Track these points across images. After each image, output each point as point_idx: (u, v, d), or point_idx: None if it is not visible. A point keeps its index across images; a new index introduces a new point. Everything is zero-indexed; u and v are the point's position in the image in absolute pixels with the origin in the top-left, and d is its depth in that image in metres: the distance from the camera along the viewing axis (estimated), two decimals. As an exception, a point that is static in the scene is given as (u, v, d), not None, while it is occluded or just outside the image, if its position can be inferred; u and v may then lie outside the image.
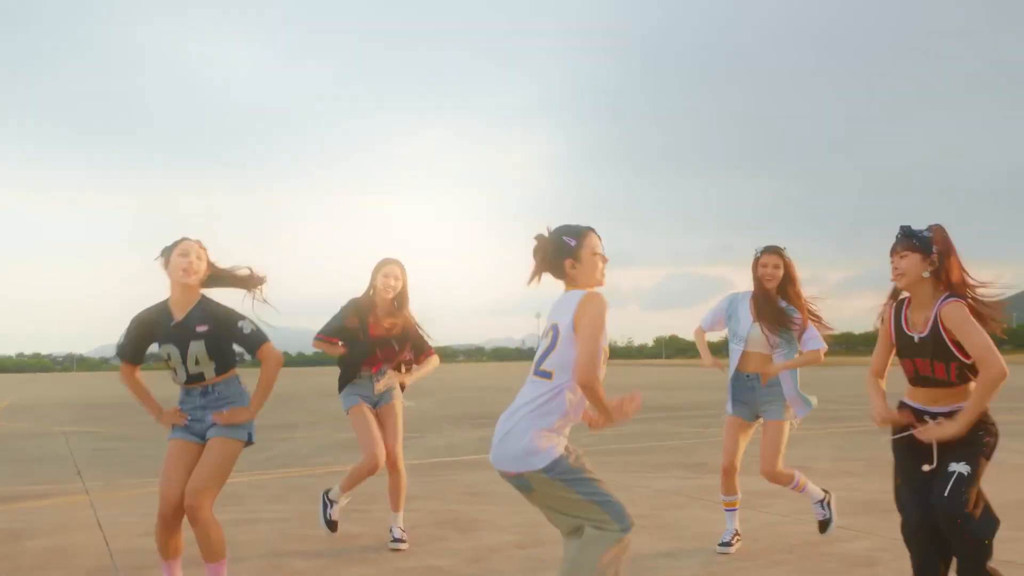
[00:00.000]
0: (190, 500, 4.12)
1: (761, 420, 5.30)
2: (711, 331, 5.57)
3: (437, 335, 5.77)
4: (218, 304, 4.33)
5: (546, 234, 3.53)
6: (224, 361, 4.30)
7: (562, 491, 3.27)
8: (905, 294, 3.86)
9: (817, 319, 5.36)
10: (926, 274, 3.68)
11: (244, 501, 7.43)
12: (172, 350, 4.22)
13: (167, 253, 4.24)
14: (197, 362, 4.24)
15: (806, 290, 5.36)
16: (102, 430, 15.87)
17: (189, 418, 4.28)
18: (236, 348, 4.33)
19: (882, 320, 3.98)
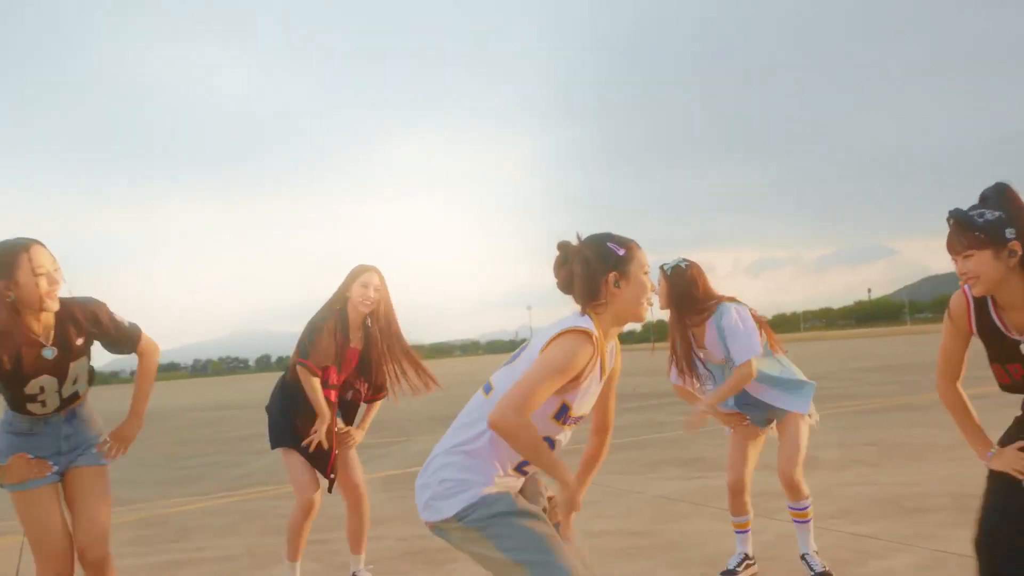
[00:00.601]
0: (99, 553, 3.24)
1: (774, 424, 4.23)
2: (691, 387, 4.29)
3: (434, 333, 4.50)
4: (76, 300, 3.28)
5: (575, 242, 2.50)
6: (92, 371, 3.39)
7: (480, 546, 2.36)
8: None
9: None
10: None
11: (189, 535, 6.32)
12: (46, 381, 3.18)
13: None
14: (75, 381, 3.28)
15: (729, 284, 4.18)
16: None
17: (53, 466, 3.24)
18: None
19: (951, 318, 2.79)
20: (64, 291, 3.18)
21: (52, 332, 3.17)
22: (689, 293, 4.01)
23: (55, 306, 3.11)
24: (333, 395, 4.07)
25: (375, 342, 4.20)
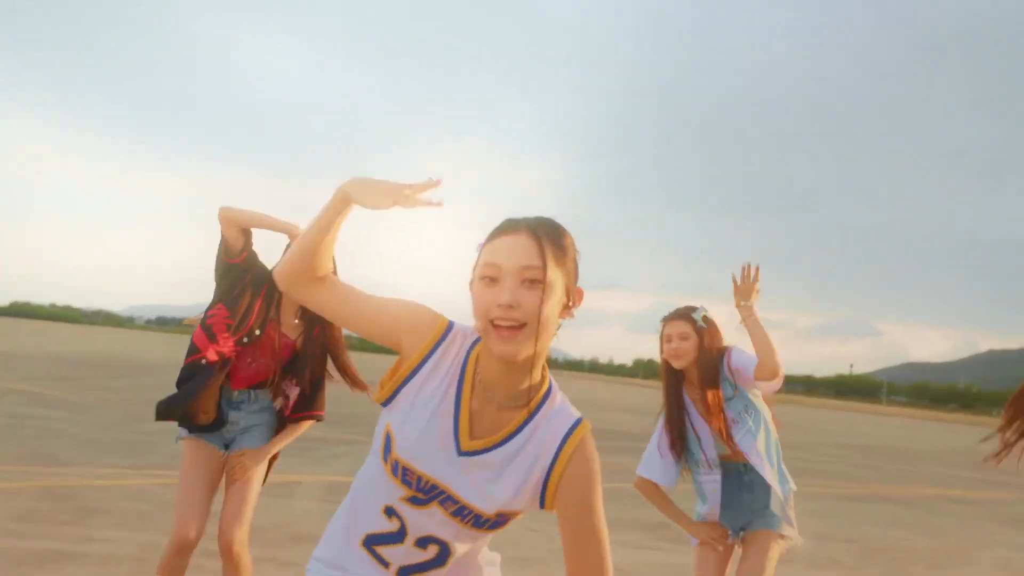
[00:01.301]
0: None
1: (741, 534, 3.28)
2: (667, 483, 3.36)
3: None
4: None
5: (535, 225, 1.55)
6: None
7: None
8: None
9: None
10: None
11: (86, 519, 5.34)
12: None
13: None
14: None
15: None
16: (45, 392, 13.74)
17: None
18: None
19: None
20: None
21: None
22: (719, 353, 3.18)
23: None
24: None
25: (314, 343, 3.26)
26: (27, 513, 5.29)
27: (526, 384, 1.56)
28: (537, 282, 1.47)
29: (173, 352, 40.99)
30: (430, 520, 1.59)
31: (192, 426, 3.13)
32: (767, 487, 3.18)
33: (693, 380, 3.21)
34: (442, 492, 1.56)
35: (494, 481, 1.56)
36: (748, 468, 3.19)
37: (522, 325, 1.46)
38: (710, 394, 3.15)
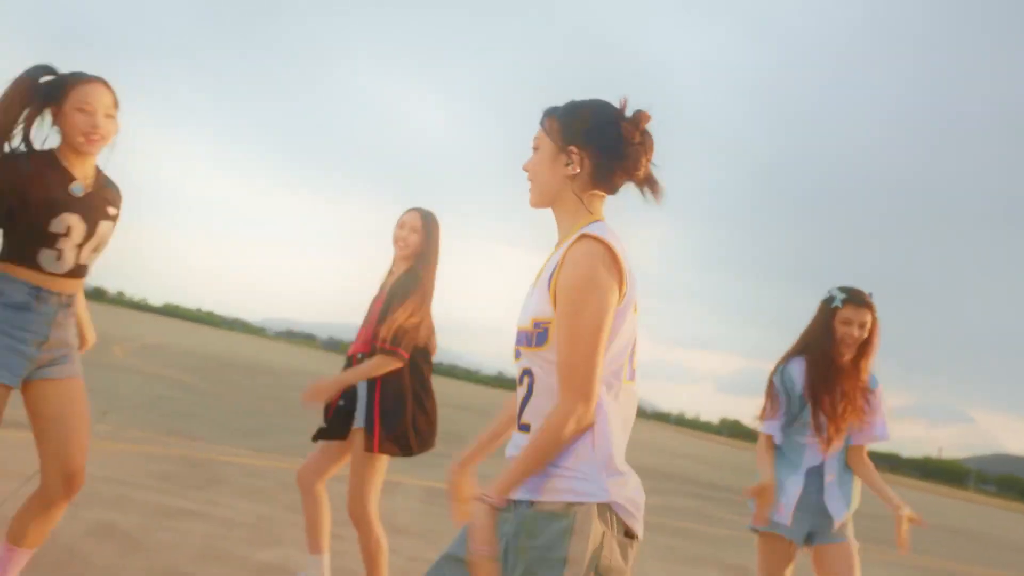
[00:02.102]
0: (71, 484, 2.54)
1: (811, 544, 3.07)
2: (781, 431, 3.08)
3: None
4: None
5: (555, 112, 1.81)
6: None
7: None
8: None
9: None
10: None
11: (213, 487, 5.59)
12: (74, 222, 2.48)
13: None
14: (96, 248, 2.58)
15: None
16: (191, 379, 14.50)
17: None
18: None
19: None
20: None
21: (88, 180, 2.53)
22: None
23: (92, 151, 2.50)
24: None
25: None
26: (166, 475, 5.58)
27: (566, 226, 1.75)
28: (535, 149, 1.78)
29: (294, 360, 42.45)
30: (520, 357, 1.73)
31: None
32: (843, 499, 3.03)
33: (848, 370, 3.00)
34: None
35: (531, 296, 1.74)
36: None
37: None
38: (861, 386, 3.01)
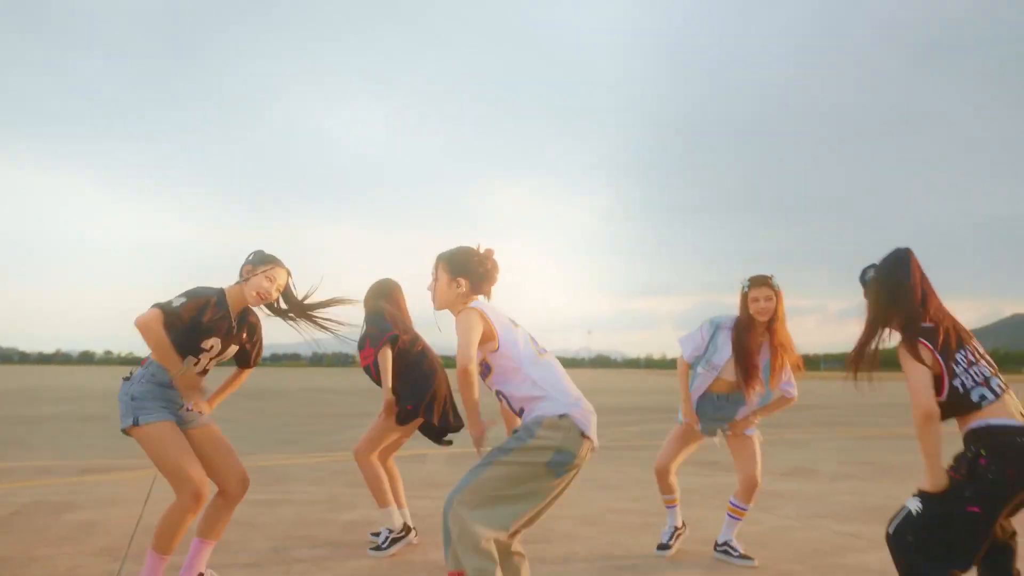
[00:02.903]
0: (245, 483, 3.42)
1: (717, 438, 4.18)
2: (694, 361, 4.06)
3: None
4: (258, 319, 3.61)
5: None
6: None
7: None
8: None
9: (798, 367, 3.99)
10: None
11: (285, 482, 6.45)
12: (216, 343, 3.32)
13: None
14: (217, 360, 3.45)
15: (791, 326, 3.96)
16: (223, 414, 15.13)
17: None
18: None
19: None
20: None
21: (238, 318, 3.38)
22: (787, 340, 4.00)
23: (253, 307, 3.41)
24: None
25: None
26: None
27: (457, 311, 2.80)
28: (435, 279, 2.87)
29: (291, 382, 42.59)
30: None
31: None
32: (735, 412, 4.04)
33: (760, 332, 3.87)
34: None
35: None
36: (723, 397, 4.01)
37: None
38: (779, 346, 3.88)
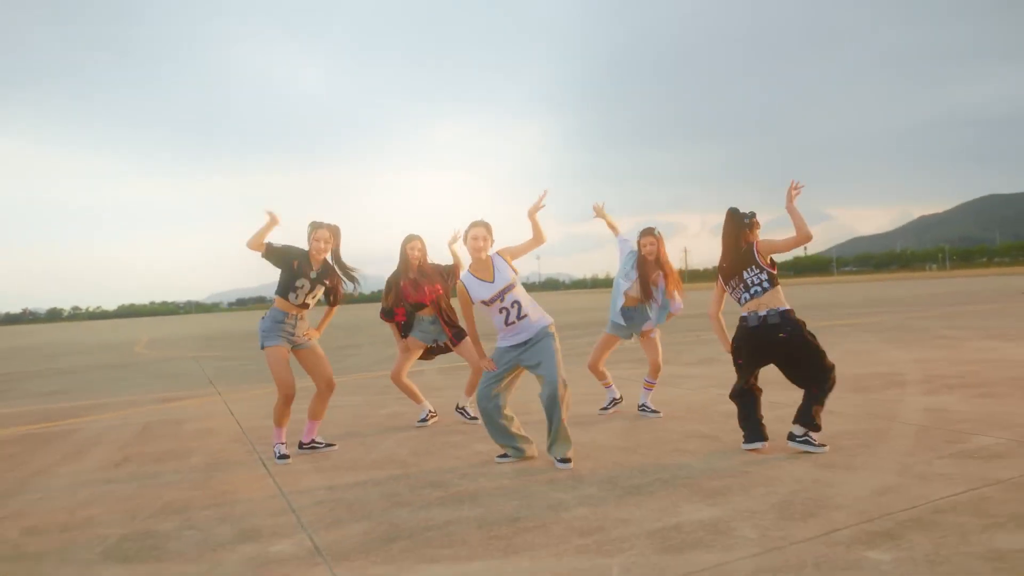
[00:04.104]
0: (331, 385, 5.05)
1: (632, 340, 5.85)
2: (629, 282, 5.60)
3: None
4: (338, 271, 5.07)
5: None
6: (320, 301, 5.10)
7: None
8: None
9: (678, 287, 5.61)
10: None
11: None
12: (304, 284, 4.87)
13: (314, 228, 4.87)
14: (314, 296, 4.96)
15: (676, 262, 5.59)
16: (220, 354, 16.65)
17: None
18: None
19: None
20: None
21: (319, 268, 4.92)
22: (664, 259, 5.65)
23: (320, 258, 4.90)
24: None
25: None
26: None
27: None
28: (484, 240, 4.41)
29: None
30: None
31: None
32: (642, 323, 5.70)
33: (652, 266, 5.54)
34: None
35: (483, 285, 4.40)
36: (631, 309, 5.66)
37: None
38: (660, 273, 5.57)
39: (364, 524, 3.43)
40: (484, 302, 4.34)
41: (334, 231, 4.92)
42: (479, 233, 4.39)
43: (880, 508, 3.19)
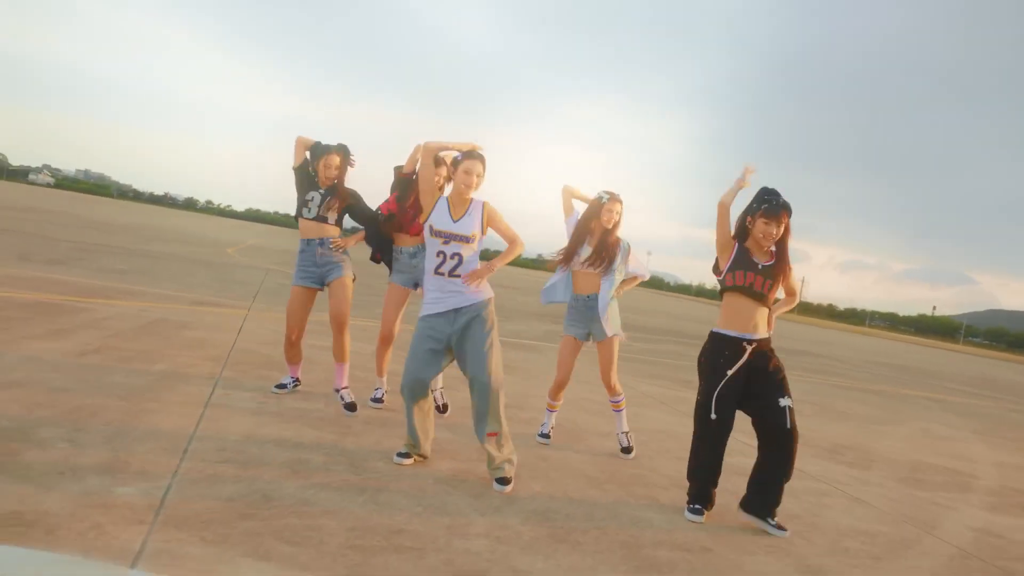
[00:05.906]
0: (338, 320, 4.76)
1: (588, 341, 4.78)
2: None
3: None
4: (348, 188, 4.84)
5: None
6: (340, 223, 4.95)
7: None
8: None
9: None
10: None
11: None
12: (314, 196, 4.75)
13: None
14: (328, 210, 4.77)
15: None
16: (291, 270, 16.87)
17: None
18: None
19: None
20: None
21: (327, 188, 4.71)
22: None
23: (328, 181, 4.71)
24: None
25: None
26: (316, 329, 7.83)
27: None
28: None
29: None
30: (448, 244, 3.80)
31: None
32: (594, 315, 4.60)
33: (609, 235, 4.59)
34: None
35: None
36: (582, 299, 4.63)
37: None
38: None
39: (236, 488, 3.01)
40: (432, 229, 3.65)
41: (343, 156, 4.73)
42: (473, 168, 3.63)
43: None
